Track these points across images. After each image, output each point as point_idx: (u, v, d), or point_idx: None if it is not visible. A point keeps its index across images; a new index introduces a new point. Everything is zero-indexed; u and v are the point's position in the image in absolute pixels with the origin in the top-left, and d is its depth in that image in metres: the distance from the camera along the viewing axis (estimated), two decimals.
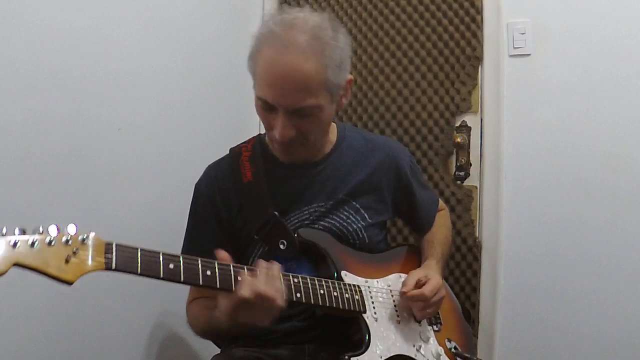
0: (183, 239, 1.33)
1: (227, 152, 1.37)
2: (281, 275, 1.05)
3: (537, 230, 1.90)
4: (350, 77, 1.22)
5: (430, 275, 1.27)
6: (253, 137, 1.39)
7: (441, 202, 1.56)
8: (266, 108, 1.16)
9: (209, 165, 1.36)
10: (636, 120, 1.78)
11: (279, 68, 1.11)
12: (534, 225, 1.90)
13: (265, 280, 1.01)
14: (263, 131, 1.44)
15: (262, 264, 1.04)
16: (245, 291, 0.97)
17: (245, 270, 1.02)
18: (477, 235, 1.96)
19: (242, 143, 1.37)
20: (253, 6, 2.19)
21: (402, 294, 1.23)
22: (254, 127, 2.08)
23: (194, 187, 1.34)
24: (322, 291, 1.12)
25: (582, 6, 1.83)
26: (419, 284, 1.24)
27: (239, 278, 1.00)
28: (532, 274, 1.90)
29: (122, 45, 1.50)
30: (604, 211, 1.81)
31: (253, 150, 1.33)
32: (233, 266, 1.01)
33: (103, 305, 1.44)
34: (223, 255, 1.03)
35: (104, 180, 1.45)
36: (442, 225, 1.50)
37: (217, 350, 1.33)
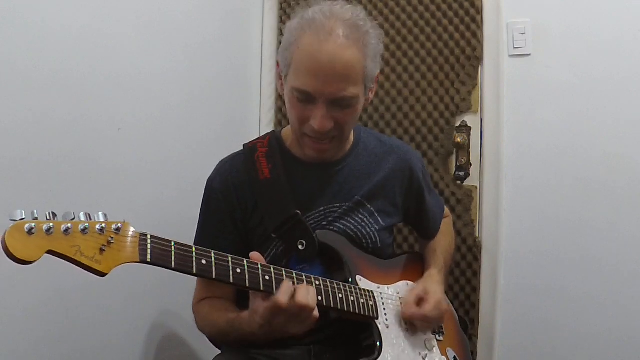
0: (195, 236, 1.31)
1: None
2: (305, 279, 1.07)
3: (537, 230, 1.90)
4: (377, 72, 1.22)
5: (430, 289, 1.26)
6: (267, 133, 1.36)
7: (446, 209, 1.56)
8: (303, 99, 1.13)
9: (221, 161, 1.34)
10: (636, 120, 1.78)
11: (322, 56, 1.08)
12: (533, 225, 1.90)
13: (305, 291, 1.01)
14: (263, 131, 1.44)
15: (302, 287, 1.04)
16: (283, 298, 0.98)
17: (272, 270, 1.02)
18: (477, 235, 1.96)
19: (255, 139, 1.34)
20: (253, 6, 2.19)
21: (403, 315, 1.22)
22: (254, 127, 2.09)
23: (205, 183, 1.32)
24: (340, 295, 1.12)
25: (582, 6, 1.83)
26: (419, 301, 1.23)
27: (267, 277, 1.01)
28: (532, 274, 1.90)
29: (122, 45, 1.50)
30: (604, 211, 1.81)
31: (269, 146, 1.29)
32: (261, 266, 1.01)
33: (103, 306, 1.44)
34: (255, 256, 1.04)
35: (104, 180, 1.45)
36: (446, 234, 1.50)
37: (218, 351, 1.33)
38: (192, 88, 1.79)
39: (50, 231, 0.76)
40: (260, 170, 1.25)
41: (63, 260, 0.79)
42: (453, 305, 1.55)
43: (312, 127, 1.14)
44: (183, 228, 1.34)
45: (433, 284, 1.29)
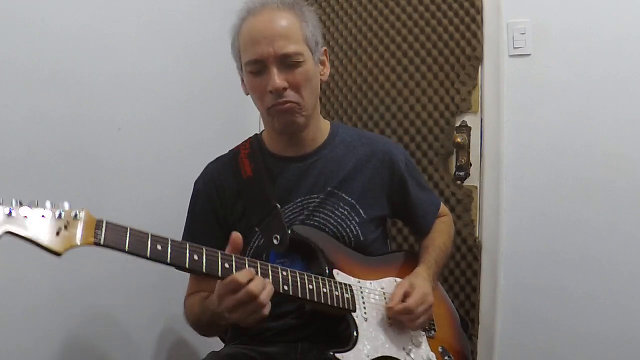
0: (182, 236, 1.33)
1: (227, 151, 1.39)
2: (270, 269, 1.07)
3: (537, 230, 1.90)
4: (322, 45, 1.30)
5: (416, 283, 1.24)
6: (249, 137, 1.41)
7: (445, 209, 1.54)
8: (256, 71, 1.21)
9: (208, 163, 1.39)
10: (636, 120, 1.78)
11: (260, 24, 1.21)
12: (533, 225, 1.90)
13: (260, 283, 1.01)
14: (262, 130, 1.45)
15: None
16: (241, 278, 0.98)
17: (234, 258, 1.03)
18: (477, 235, 1.96)
19: (239, 143, 1.40)
20: None
21: (388, 310, 1.21)
22: (254, 127, 2.08)
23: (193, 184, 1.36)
24: (310, 286, 1.12)
25: (582, 6, 1.83)
26: (404, 296, 1.21)
27: (226, 265, 1.01)
28: (532, 273, 1.90)
29: (122, 45, 1.50)
30: (604, 211, 1.81)
31: (251, 147, 1.36)
32: (221, 253, 1.02)
33: (103, 305, 1.44)
34: (235, 235, 1.05)
35: (104, 180, 1.45)
36: (442, 233, 1.47)
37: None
38: (192, 88, 1.79)
39: (11, 214, 0.82)
40: (243, 170, 1.32)
41: (23, 241, 0.83)
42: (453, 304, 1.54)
43: (270, 95, 1.21)
44: (183, 227, 1.34)
45: (418, 279, 1.27)
